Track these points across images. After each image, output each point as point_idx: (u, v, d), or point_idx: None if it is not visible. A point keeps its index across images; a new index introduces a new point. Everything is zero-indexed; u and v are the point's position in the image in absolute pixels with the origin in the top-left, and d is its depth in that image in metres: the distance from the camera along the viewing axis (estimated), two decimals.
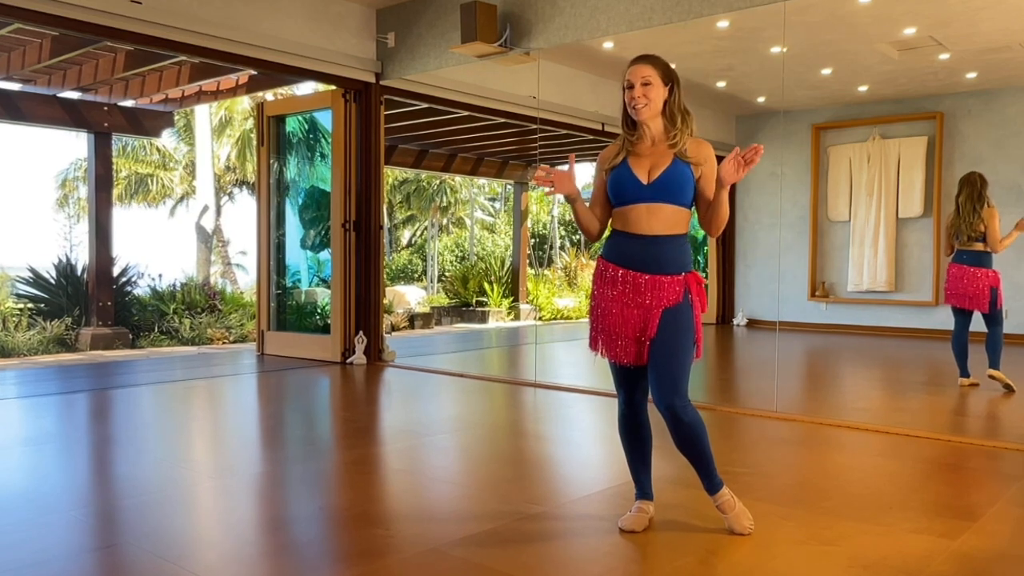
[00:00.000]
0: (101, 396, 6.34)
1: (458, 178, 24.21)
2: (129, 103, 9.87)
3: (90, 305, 10.12)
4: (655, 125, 3.04)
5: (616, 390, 3.18)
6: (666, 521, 3.22)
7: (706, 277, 12.19)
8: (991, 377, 6.23)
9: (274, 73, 7.64)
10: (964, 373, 6.39)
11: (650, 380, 3.03)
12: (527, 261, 15.94)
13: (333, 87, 7.79)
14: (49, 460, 4.27)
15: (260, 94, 13.92)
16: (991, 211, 6.22)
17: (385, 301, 9.74)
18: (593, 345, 3.11)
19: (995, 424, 5.21)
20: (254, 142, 9.91)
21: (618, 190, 3.01)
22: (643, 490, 3.22)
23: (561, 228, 23.86)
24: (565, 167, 3.07)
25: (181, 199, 24.92)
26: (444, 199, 25.59)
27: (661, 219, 2.98)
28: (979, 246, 6.28)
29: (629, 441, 3.20)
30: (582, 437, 5.08)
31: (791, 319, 10.74)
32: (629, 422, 3.18)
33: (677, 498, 3.52)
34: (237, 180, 23.78)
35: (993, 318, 6.28)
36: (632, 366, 3.06)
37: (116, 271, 10.57)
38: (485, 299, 15.06)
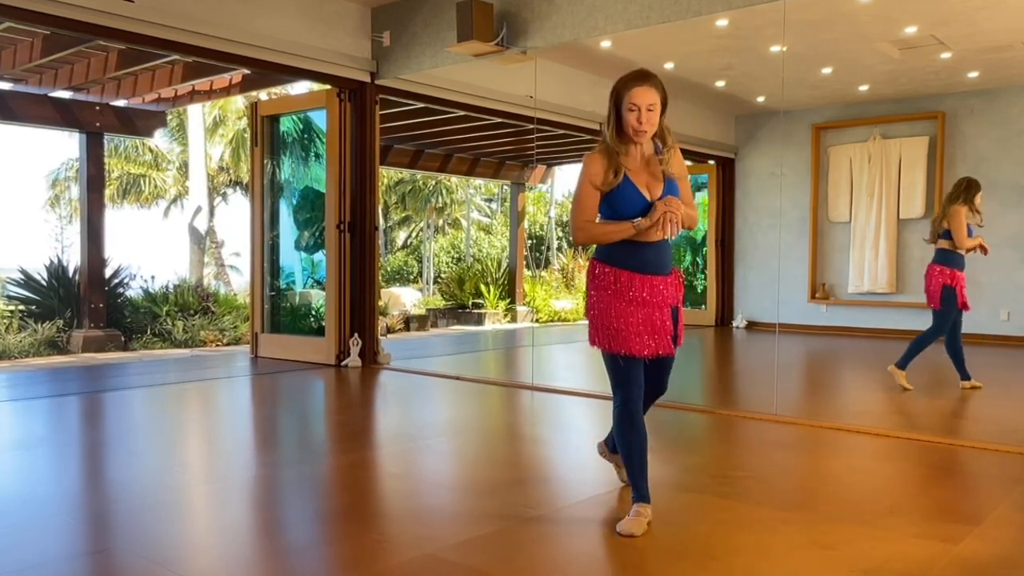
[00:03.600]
0: (93, 399, 6.29)
1: (454, 179, 24.17)
2: (121, 103, 9.81)
3: (82, 307, 10.05)
4: (647, 144, 3.24)
5: (624, 389, 3.20)
6: (664, 525, 3.19)
7: (705, 279, 12.17)
8: (890, 371, 6.27)
9: (268, 72, 7.60)
10: (964, 376, 6.35)
11: (652, 370, 3.24)
12: (524, 262, 15.90)
13: (328, 87, 7.75)
14: (41, 464, 4.23)
15: (254, 93, 13.86)
16: (956, 208, 6.15)
17: (380, 303, 9.68)
18: (615, 346, 3.16)
19: (997, 427, 5.18)
20: (248, 142, 9.86)
21: (625, 205, 3.15)
22: (641, 493, 3.20)
23: (558, 229, 23.84)
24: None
25: (174, 200, 24.82)
26: (440, 200, 25.54)
27: None
28: (942, 243, 6.25)
29: (635, 441, 3.20)
30: (580, 440, 5.03)
31: (791, 321, 10.72)
32: (636, 420, 3.21)
33: (675, 502, 3.50)
34: (231, 181, 23.69)
35: (935, 316, 6.22)
36: (649, 360, 3.20)
37: (108, 272, 10.49)
38: (481, 301, 15.01)
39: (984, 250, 6.39)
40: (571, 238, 3.39)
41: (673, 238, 3.14)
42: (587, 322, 3.28)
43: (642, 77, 3.18)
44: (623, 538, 3.03)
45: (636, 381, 3.19)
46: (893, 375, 6.27)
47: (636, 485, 3.20)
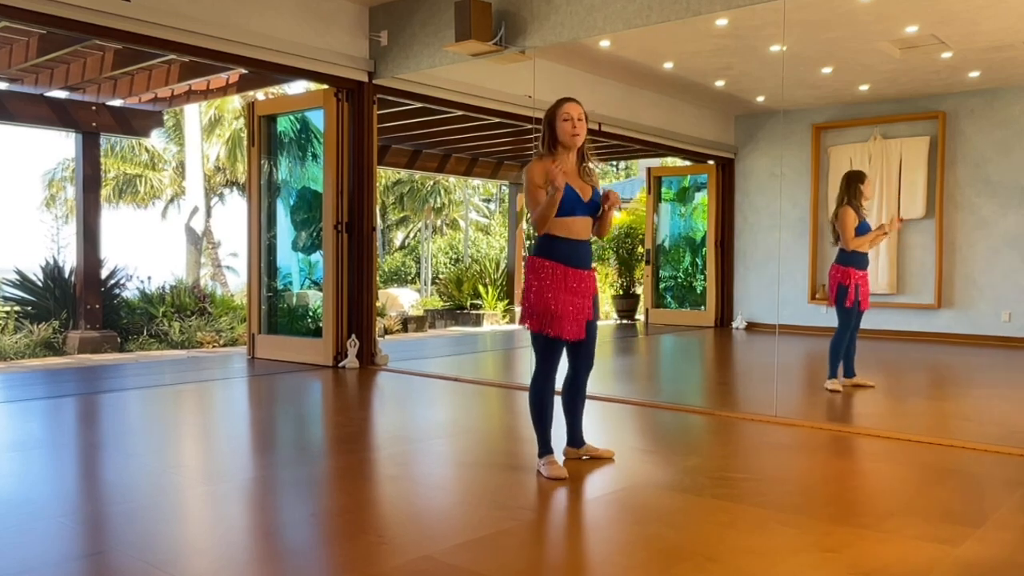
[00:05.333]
0: (89, 401, 6.25)
1: (452, 179, 24.10)
2: (118, 102, 9.78)
3: (78, 308, 10.00)
4: (574, 155, 3.91)
5: (548, 364, 3.90)
6: (664, 527, 3.18)
7: (704, 279, 12.16)
8: (829, 388, 6.25)
9: (265, 72, 7.56)
10: (848, 374, 6.40)
11: (583, 349, 3.98)
12: (522, 263, 15.86)
13: (325, 86, 7.71)
14: (36, 466, 4.20)
15: (251, 93, 13.84)
16: (843, 210, 6.21)
17: (378, 304, 9.65)
18: (550, 329, 3.78)
19: (998, 429, 5.16)
20: (244, 142, 9.82)
21: (565, 204, 3.76)
22: (550, 446, 3.96)
23: None
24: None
25: (170, 200, 24.76)
26: (438, 200, 25.46)
27: (589, 228, 3.93)
28: (840, 244, 6.31)
29: (551, 403, 3.96)
30: None
31: (791, 322, 10.69)
32: (553, 387, 3.96)
33: (675, 504, 3.49)
34: (227, 181, 23.63)
35: (838, 316, 6.27)
36: (572, 341, 3.88)
37: (104, 273, 10.44)
38: (479, 302, 14.99)
39: (884, 235, 6.41)
40: (535, 230, 3.90)
41: (605, 233, 3.95)
42: (521, 307, 3.91)
43: (570, 97, 3.91)
44: (555, 482, 3.70)
45: (559, 357, 3.93)
46: (834, 388, 6.24)
47: (548, 440, 3.93)
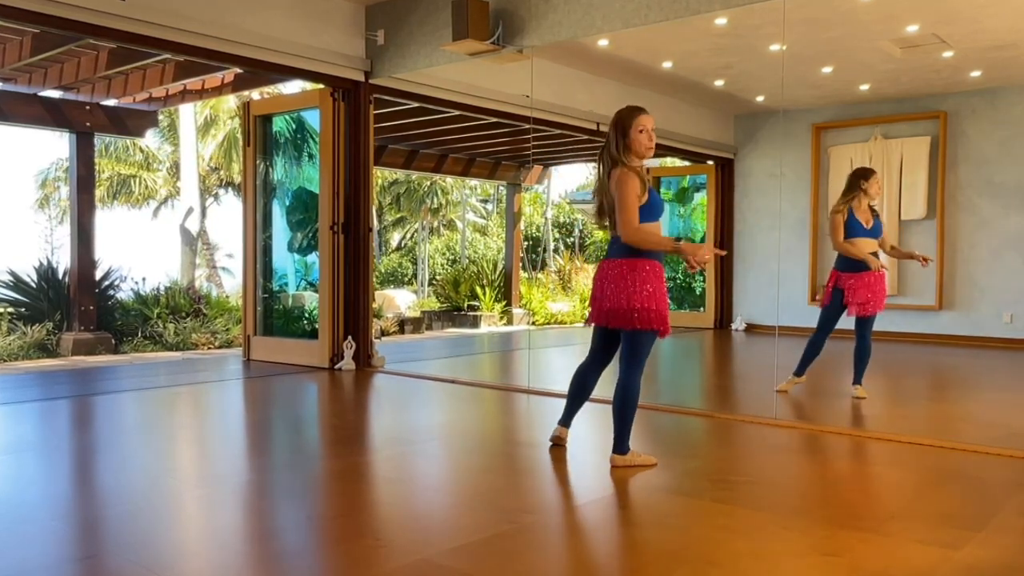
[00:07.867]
0: (83, 403, 6.22)
1: (449, 179, 24.05)
2: (112, 102, 9.73)
3: (72, 309, 9.95)
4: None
5: (645, 360, 3.96)
6: (664, 530, 3.17)
7: (704, 280, 12.14)
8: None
9: (260, 71, 7.53)
10: (798, 372, 6.32)
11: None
12: (520, 264, 15.84)
13: (321, 86, 7.68)
14: (30, 468, 4.17)
15: (246, 93, 13.76)
16: (831, 216, 6.12)
17: (374, 305, 9.61)
18: (665, 325, 3.90)
19: (1000, 431, 5.14)
20: (240, 142, 9.79)
21: (658, 210, 3.94)
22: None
23: (555, 231, 23.77)
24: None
25: (165, 200, 24.72)
26: (435, 201, 25.44)
27: None
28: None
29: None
30: (576, 445, 4.96)
31: (791, 324, 10.62)
32: None
33: (675, 507, 3.49)
34: (222, 181, 23.61)
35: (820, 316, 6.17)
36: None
37: (98, 274, 10.38)
38: (477, 303, 14.94)
39: (877, 262, 6.07)
40: (620, 232, 3.82)
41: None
42: (644, 311, 3.81)
43: (642, 108, 3.92)
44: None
45: None
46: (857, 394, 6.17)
47: (628, 436, 4.00)
